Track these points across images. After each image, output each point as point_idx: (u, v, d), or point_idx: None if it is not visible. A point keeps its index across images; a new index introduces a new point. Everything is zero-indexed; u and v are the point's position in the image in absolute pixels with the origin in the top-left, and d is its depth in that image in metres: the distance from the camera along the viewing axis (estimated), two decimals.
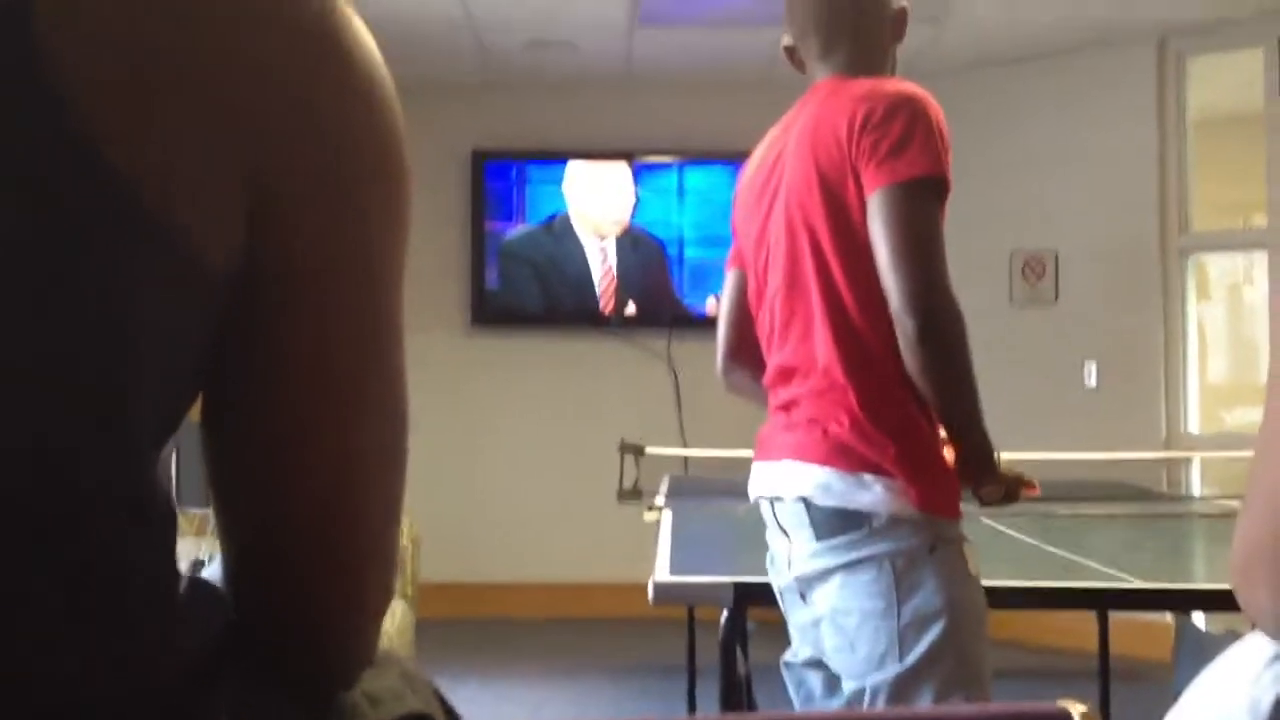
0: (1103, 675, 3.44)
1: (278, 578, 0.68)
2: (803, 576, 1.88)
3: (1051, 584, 2.42)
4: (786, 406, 1.93)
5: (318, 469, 0.66)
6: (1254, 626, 0.83)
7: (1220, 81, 5.70)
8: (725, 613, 2.25)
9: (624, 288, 6.23)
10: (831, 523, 1.82)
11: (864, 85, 1.89)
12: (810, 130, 1.90)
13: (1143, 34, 5.41)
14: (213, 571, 0.73)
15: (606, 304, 6.25)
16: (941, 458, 1.85)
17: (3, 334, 0.56)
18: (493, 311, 6.24)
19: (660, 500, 3.69)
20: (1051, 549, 2.78)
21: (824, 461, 1.83)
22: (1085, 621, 3.54)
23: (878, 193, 1.80)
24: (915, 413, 1.83)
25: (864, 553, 1.80)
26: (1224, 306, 6.29)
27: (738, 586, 2.21)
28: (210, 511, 0.71)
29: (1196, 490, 5.04)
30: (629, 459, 3.82)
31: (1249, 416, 6.07)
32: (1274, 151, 5.21)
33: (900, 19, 2.01)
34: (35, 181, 0.55)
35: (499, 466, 6.22)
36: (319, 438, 0.66)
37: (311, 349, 0.65)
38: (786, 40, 2.06)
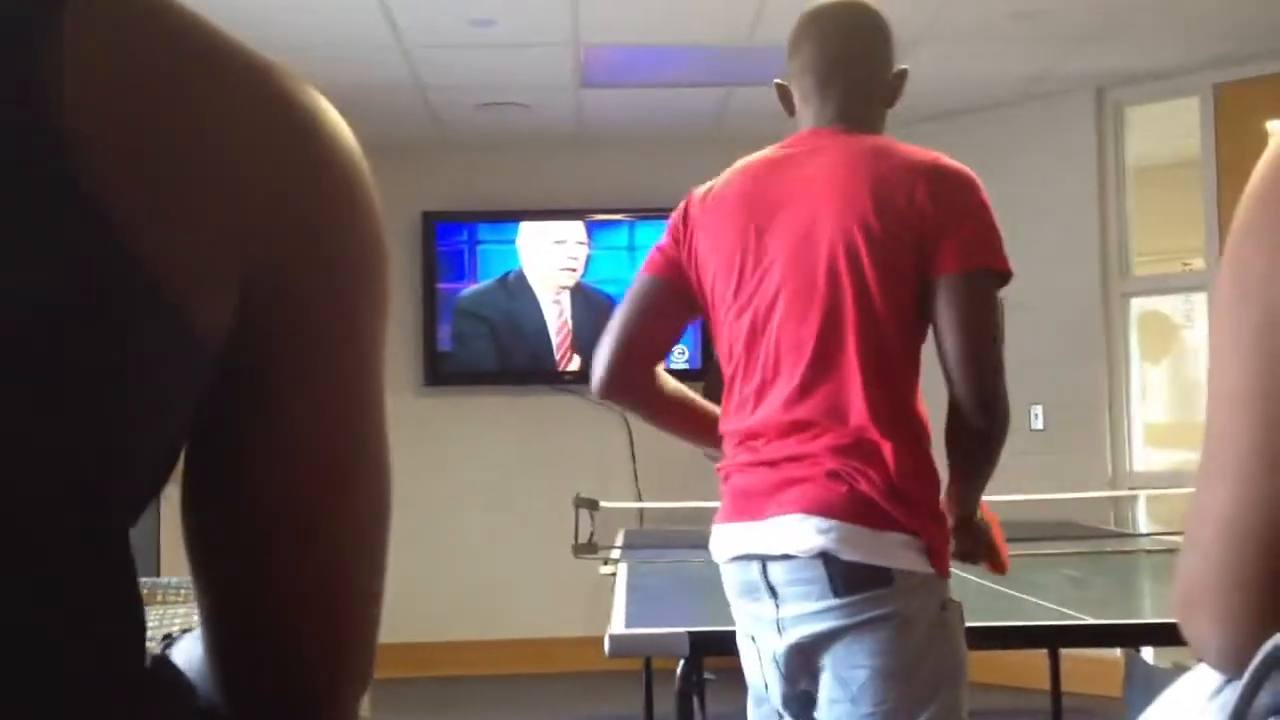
0: (1055, 713, 3.46)
1: (262, 654, 0.68)
2: (811, 635, 1.80)
3: (1002, 623, 2.45)
4: (794, 459, 1.83)
5: (307, 543, 0.67)
6: (1199, 659, 0.84)
7: (1157, 130, 5.84)
8: (681, 663, 2.27)
9: (579, 342, 6.26)
10: (854, 577, 1.76)
11: (922, 154, 1.89)
12: (855, 187, 1.85)
13: (1081, 85, 5.55)
14: (183, 646, 0.72)
15: (562, 359, 6.28)
16: (944, 517, 1.86)
17: None
18: (446, 372, 6.24)
19: (616, 554, 3.70)
20: (1001, 588, 2.82)
21: (850, 518, 1.77)
22: (1037, 659, 3.57)
23: (961, 276, 1.82)
24: (936, 475, 1.85)
25: (887, 609, 1.76)
26: (1166, 348, 6.40)
27: (693, 635, 2.22)
28: (185, 581, 0.70)
29: (1143, 527, 5.10)
30: (584, 513, 3.82)
31: (1191, 455, 6.17)
32: (1210, 197, 5.34)
33: (899, 81, 2.00)
34: (42, 243, 0.56)
35: (454, 525, 6.19)
36: (308, 512, 0.67)
37: (300, 428, 0.66)
38: (781, 80, 2.03)
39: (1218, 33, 4.95)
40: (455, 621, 6.09)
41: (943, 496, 1.87)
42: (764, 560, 1.83)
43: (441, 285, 6.25)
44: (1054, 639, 2.78)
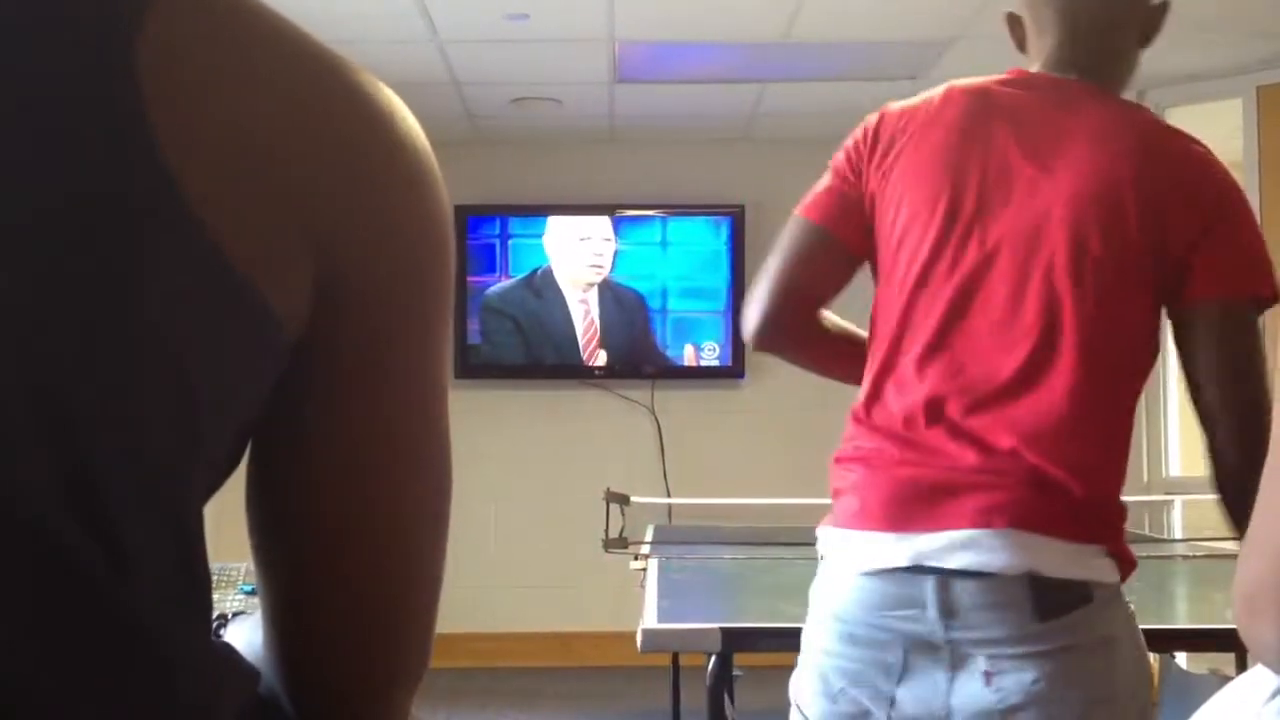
0: None
1: (324, 640, 0.69)
2: (1002, 664, 1.52)
3: None
4: (984, 459, 1.55)
5: (372, 528, 0.68)
6: (1258, 661, 0.83)
7: (1199, 132, 5.78)
8: (712, 659, 2.26)
9: (606, 339, 6.26)
10: (1058, 598, 1.51)
11: (1192, 145, 1.64)
12: (1106, 184, 1.58)
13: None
14: (236, 631, 0.73)
15: (589, 356, 6.28)
16: (1125, 515, 1.65)
17: (73, 378, 0.57)
18: (476, 365, 6.26)
19: (645, 549, 3.70)
20: None
21: (1058, 531, 1.52)
22: None
23: (1228, 304, 1.56)
24: (1124, 471, 1.64)
25: (1093, 632, 1.53)
26: None
27: (726, 632, 2.22)
28: (216, 567, 0.71)
29: (1178, 533, 5.06)
30: (614, 508, 3.82)
31: None
32: (1252, 199, 5.28)
33: (1160, 13, 1.72)
34: (120, 223, 0.58)
35: (484, 518, 6.21)
36: (375, 497, 0.68)
37: (370, 412, 0.67)
38: (1013, 9, 1.74)
39: (1261, 35, 4.89)
40: (481, 613, 6.11)
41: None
42: (945, 576, 1.53)
43: (472, 279, 6.26)
44: None
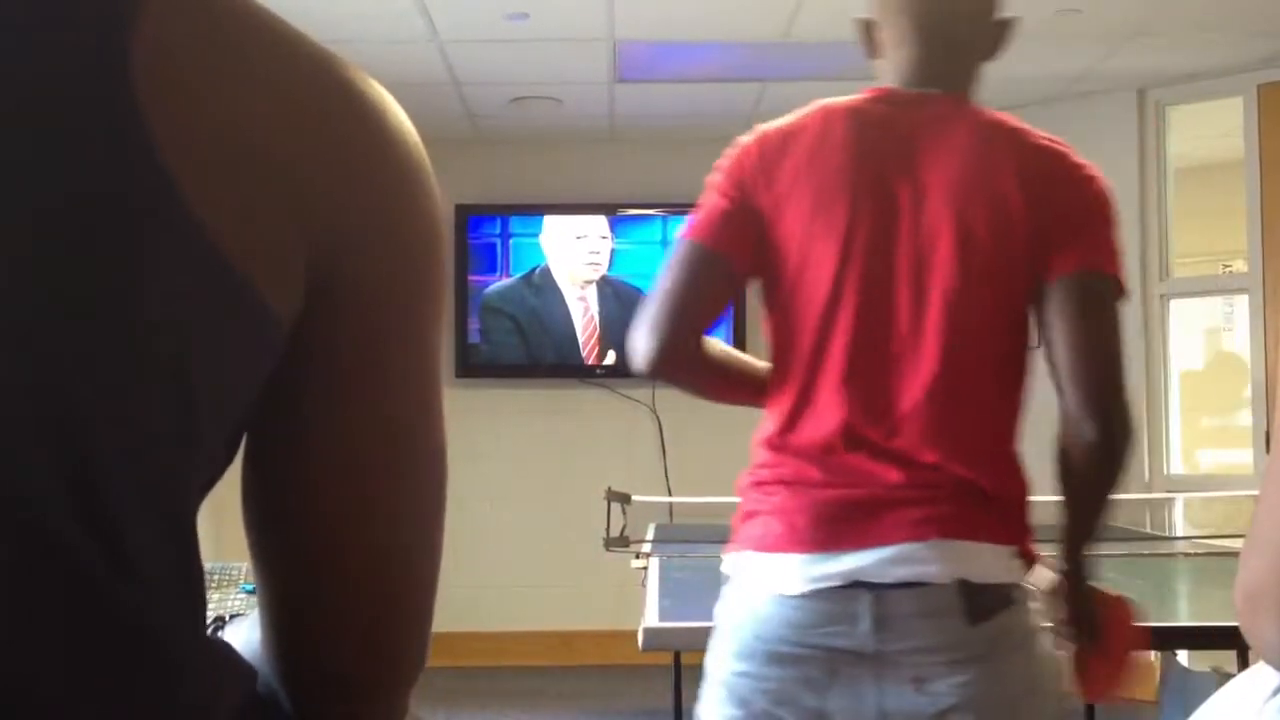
0: (1088, 715, 3.43)
1: (320, 637, 0.69)
2: (933, 670, 1.56)
3: None
4: (907, 475, 1.59)
5: (367, 525, 0.68)
6: (1260, 659, 0.83)
7: (1199, 131, 5.78)
8: None
9: (607, 337, 6.26)
10: (985, 603, 1.56)
11: (1060, 146, 1.68)
12: (978, 183, 1.63)
13: (1123, 84, 5.50)
14: (235, 630, 0.73)
15: (590, 354, 6.28)
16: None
17: (74, 378, 0.57)
18: (477, 364, 6.25)
19: (646, 548, 3.70)
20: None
21: (983, 537, 1.58)
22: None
23: (1086, 276, 1.62)
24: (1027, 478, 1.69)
25: (1016, 631, 1.59)
26: (1205, 351, 6.34)
27: None
28: (217, 566, 0.71)
29: (1179, 531, 5.06)
30: (615, 507, 3.82)
31: (1228, 459, 6.11)
32: (1253, 198, 5.28)
33: (1002, 31, 1.74)
34: (120, 224, 0.58)
35: (485, 517, 6.21)
36: (370, 494, 0.68)
37: (364, 409, 0.67)
38: (865, 16, 1.75)
39: (1262, 33, 4.89)
40: (482, 612, 6.11)
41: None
42: (875, 590, 1.56)
43: (473, 277, 6.26)
44: None
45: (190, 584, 0.63)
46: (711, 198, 1.72)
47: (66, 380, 0.57)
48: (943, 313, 1.61)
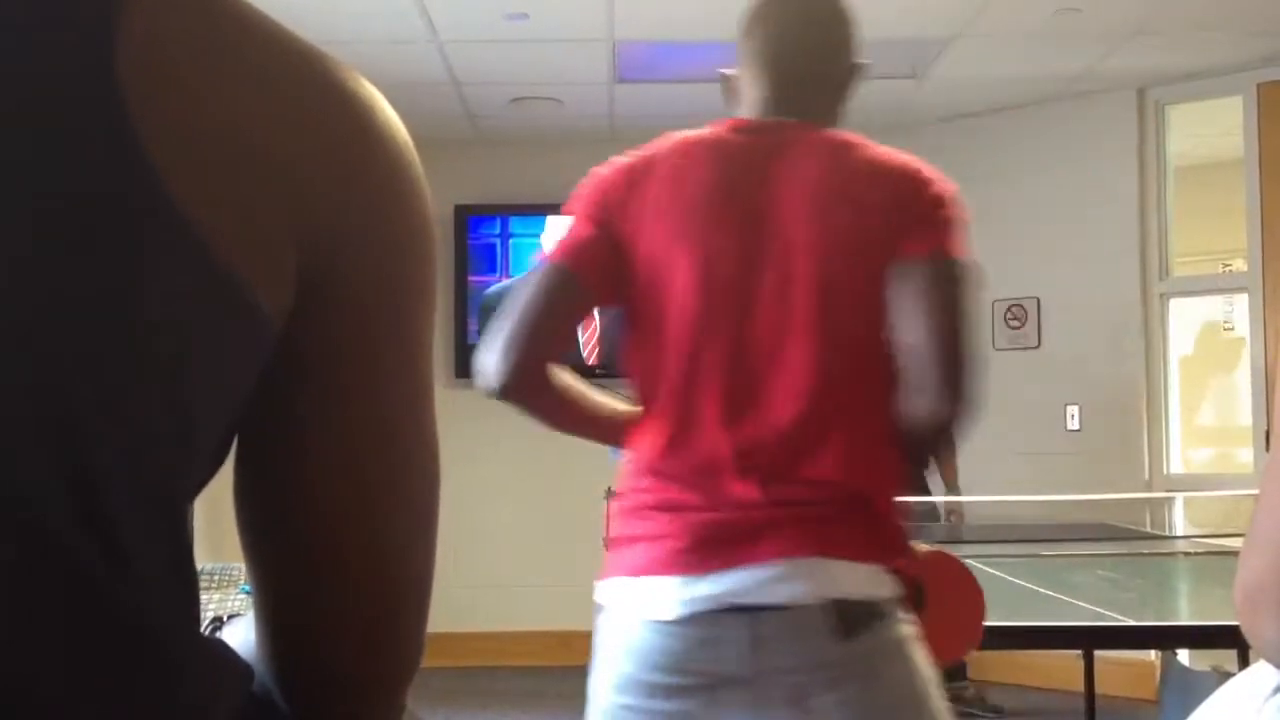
0: (1089, 715, 3.44)
1: (314, 637, 0.69)
2: (812, 688, 1.56)
3: (1037, 624, 2.43)
4: (780, 494, 1.59)
5: (361, 525, 0.68)
6: (1260, 657, 0.83)
7: (1199, 130, 5.79)
8: None
9: (606, 337, 6.26)
10: (859, 618, 1.57)
11: (906, 160, 1.70)
12: (834, 192, 1.65)
13: (1122, 83, 5.50)
14: (231, 631, 0.73)
15: (590, 354, 6.28)
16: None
17: (74, 379, 0.57)
18: None
19: None
20: (1037, 589, 2.80)
21: (856, 555, 1.58)
22: (1070, 660, 3.55)
23: (936, 258, 1.61)
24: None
25: (890, 641, 1.59)
26: (1205, 350, 6.35)
27: None
28: (217, 567, 0.71)
29: (1179, 529, 5.07)
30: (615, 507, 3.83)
31: (1228, 457, 6.11)
32: (1253, 197, 5.28)
33: (853, 75, 1.81)
34: (120, 224, 0.58)
35: (484, 517, 6.21)
36: (364, 495, 0.68)
37: (357, 409, 0.67)
38: (729, 70, 1.82)
39: (1261, 32, 4.89)
40: (481, 612, 6.11)
41: None
42: (751, 611, 1.56)
43: (473, 278, 6.26)
44: (1090, 640, 2.76)
45: (186, 584, 0.63)
46: (573, 224, 1.74)
47: (66, 380, 0.57)
48: (809, 326, 1.61)
